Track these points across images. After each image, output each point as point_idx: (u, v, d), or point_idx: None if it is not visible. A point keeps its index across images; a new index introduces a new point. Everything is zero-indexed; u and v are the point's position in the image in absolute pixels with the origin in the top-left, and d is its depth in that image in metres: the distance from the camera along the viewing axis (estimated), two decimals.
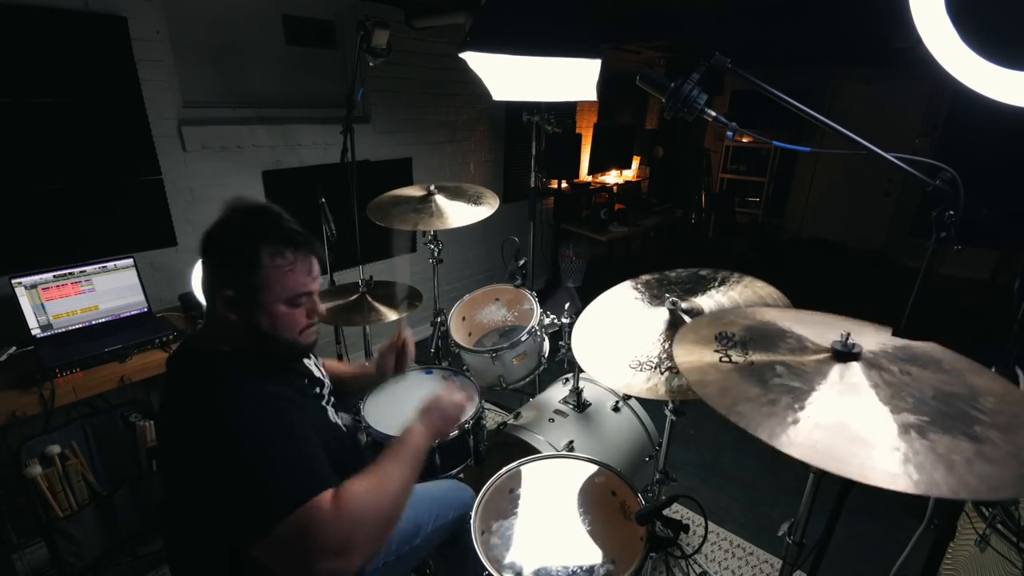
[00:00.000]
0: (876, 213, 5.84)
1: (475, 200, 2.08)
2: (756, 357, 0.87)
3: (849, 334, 0.84)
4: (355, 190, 2.31)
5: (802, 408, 0.75)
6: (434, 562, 1.64)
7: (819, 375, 0.81)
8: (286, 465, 0.81)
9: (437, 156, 3.57)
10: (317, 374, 1.17)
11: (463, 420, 1.16)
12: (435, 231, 2.17)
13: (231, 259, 0.91)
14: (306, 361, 1.14)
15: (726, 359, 0.87)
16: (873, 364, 0.83)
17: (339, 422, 1.16)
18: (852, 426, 0.72)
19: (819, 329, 0.95)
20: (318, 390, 1.14)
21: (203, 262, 0.95)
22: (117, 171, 2.14)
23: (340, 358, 2.65)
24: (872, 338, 0.91)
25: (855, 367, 0.82)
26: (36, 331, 1.83)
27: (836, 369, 0.82)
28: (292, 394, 0.99)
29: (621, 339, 1.34)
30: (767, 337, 0.93)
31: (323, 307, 1.05)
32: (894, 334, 0.94)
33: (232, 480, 0.80)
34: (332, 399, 1.19)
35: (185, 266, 2.24)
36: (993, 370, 1.18)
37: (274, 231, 0.92)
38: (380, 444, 1.64)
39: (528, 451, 1.65)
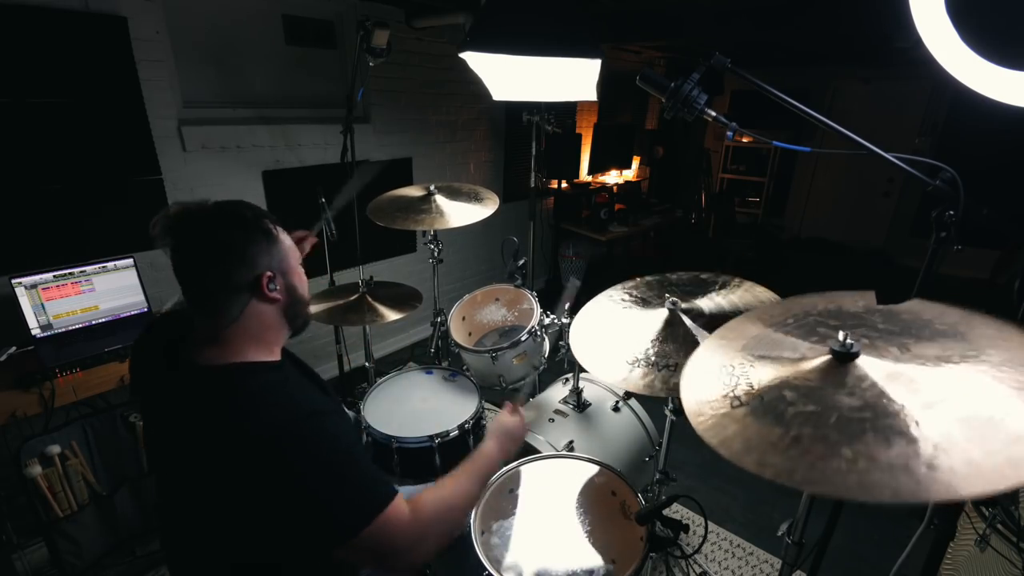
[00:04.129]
0: (876, 213, 5.84)
1: (475, 199, 2.08)
2: (760, 381, 0.83)
3: (848, 335, 0.82)
4: (355, 190, 2.31)
5: (825, 436, 0.69)
6: (434, 562, 1.64)
7: (828, 387, 0.77)
8: (357, 481, 0.85)
9: (437, 156, 3.57)
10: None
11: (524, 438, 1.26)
12: (435, 231, 2.17)
13: (258, 242, 0.90)
14: None
15: (737, 402, 0.81)
16: (874, 354, 0.79)
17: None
18: (870, 441, 0.66)
19: (808, 327, 0.92)
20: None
21: (219, 263, 0.88)
22: (117, 171, 2.14)
23: (340, 359, 2.66)
24: (855, 311, 0.89)
25: (859, 365, 0.78)
26: (36, 331, 1.83)
27: (844, 374, 0.78)
28: (334, 405, 1.00)
29: (619, 337, 1.34)
30: (765, 352, 0.89)
31: None
32: (879, 302, 0.91)
33: (305, 501, 0.80)
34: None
35: None
36: None
37: (259, 209, 0.95)
38: (380, 444, 1.65)
39: (528, 451, 1.65)
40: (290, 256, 0.96)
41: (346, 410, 1.14)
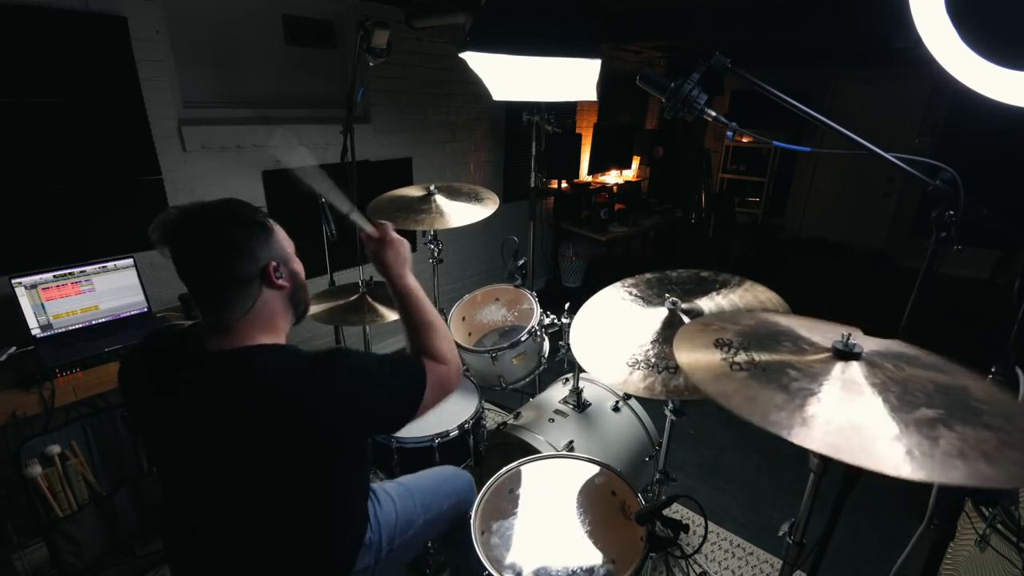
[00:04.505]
0: (876, 213, 5.84)
1: (475, 199, 2.08)
2: (762, 359, 0.85)
3: (850, 335, 0.83)
4: (355, 190, 2.31)
5: (835, 410, 0.72)
6: (436, 552, 1.64)
7: (830, 376, 0.79)
8: (399, 370, 0.99)
9: (437, 156, 3.57)
10: None
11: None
12: (435, 231, 2.17)
13: (257, 235, 0.94)
14: None
15: (737, 367, 0.84)
16: (873, 363, 0.82)
17: None
18: (877, 426, 0.70)
19: (801, 332, 0.94)
20: None
21: (224, 260, 0.90)
22: (117, 171, 2.14)
23: None
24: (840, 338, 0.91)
25: (857, 366, 0.81)
26: (36, 331, 1.83)
27: (846, 369, 0.80)
28: None
29: (619, 337, 1.34)
30: (763, 341, 0.91)
31: None
32: (866, 333, 0.93)
33: (378, 397, 0.95)
34: None
35: None
36: (993, 370, 1.18)
37: (249, 204, 0.99)
38: (380, 444, 1.65)
39: (528, 451, 1.65)
40: (286, 245, 1.01)
41: None
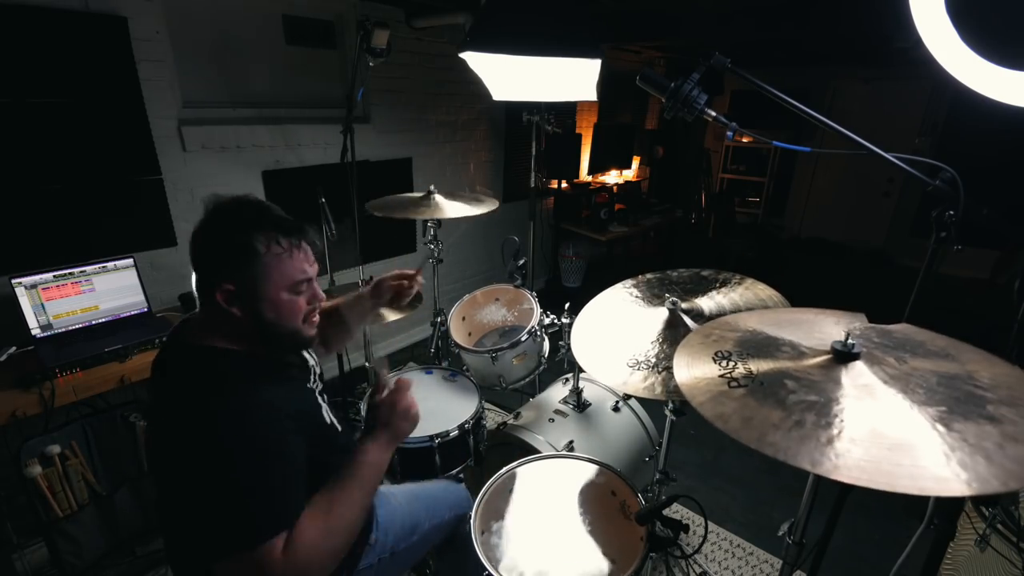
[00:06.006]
0: (876, 213, 5.84)
1: (474, 201, 2.09)
2: (759, 369, 0.84)
3: (849, 334, 0.83)
4: (355, 190, 2.32)
5: (830, 424, 0.71)
6: (434, 562, 1.64)
7: (830, 382, 0.78)
8: (255, 498, 0.80)
9: (437, 156, 3.57)
10: (311, 362, 1.14)
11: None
12: (435, 232, 2.17)
13: (228, 252, 0.88)
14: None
15: (735, 383, 0.83)
16: (873, 360, 0.81)
17: (334, 422, 1.11)
18: (886, 433, 0.68)
19: (804, 330, 0.94)
20: (312, 381, 1.11)
21: (196, 260, 0.92)
22: (117, 171, 2.14)
23: (340, 359, 2.66)
24: (849, 328, 0.91)
25: (859, 366, 0.81)
26: (36, 331, 1.83)
27: (844, 373, 0.80)
28: (285, 395, 0.94)
29: (620, 338, 1.34)
30: (761, 348, 0.91)
31: (323, 293, 1.03)
32: (870, 321, 0.93)
33: (204, 496, 0.81)
34: (325, 395, 1.15)
35: (185, 266, 2.24)
36: None
37: (265, 219, 0.91)
38: None
39: (528, 451, 1.65)
40: (268, 281, 0.90)
41: (321, 403, 1.09)
